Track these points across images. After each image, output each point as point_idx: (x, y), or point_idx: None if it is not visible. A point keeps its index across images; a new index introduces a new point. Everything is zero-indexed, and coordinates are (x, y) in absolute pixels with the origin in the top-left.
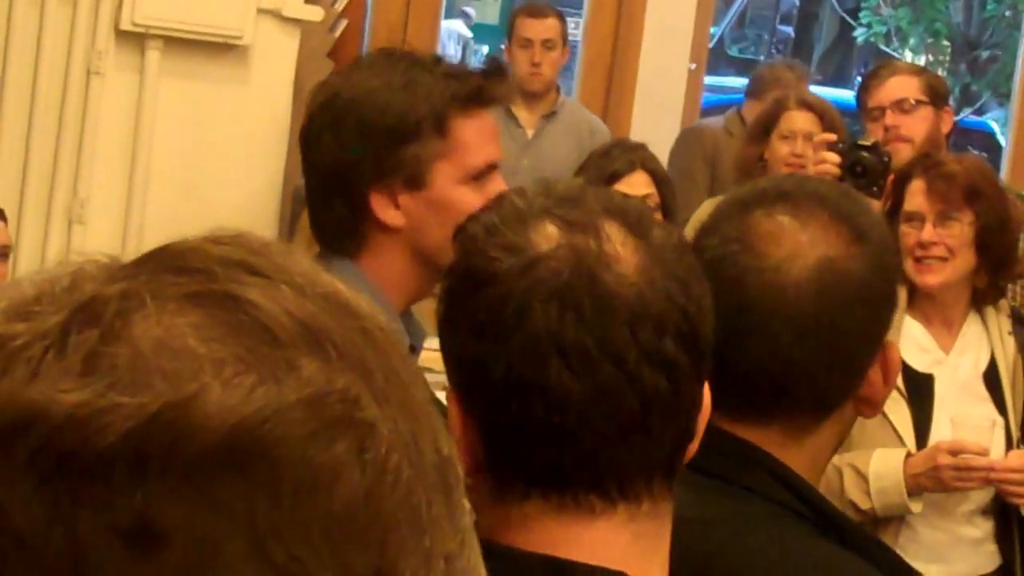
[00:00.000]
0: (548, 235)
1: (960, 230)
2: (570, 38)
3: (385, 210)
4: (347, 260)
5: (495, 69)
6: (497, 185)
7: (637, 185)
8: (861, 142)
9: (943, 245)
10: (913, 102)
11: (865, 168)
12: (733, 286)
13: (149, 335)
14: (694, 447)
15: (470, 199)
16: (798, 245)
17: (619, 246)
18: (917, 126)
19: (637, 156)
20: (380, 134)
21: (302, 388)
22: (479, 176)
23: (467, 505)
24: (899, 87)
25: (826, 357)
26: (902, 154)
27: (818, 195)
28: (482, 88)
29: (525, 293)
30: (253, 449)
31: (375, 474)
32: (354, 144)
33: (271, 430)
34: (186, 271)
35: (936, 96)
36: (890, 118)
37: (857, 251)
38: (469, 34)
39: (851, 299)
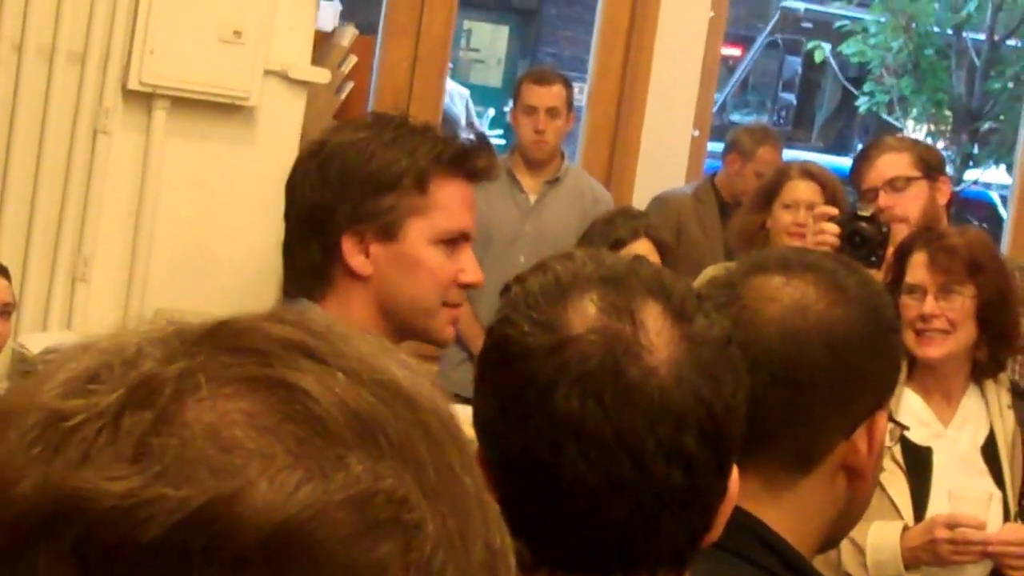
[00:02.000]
0: (584, 315)
1: (962, 303)
2: (575, 103)
3: (355, 256)
4: (311, 303)
5: (481, 144)
6: (467, 256)
7: (640, 253)
8: (860, 212)
9: (945, 318)
10: (905, 179)
11: (864, 238)
12: None
13: (201, 420)
14: (715, 535)
15: (439, 261)
16: (777, 291)
17: (654, 335)
18: (911, 204)
19: (641, 224)
20: (361, 181)
21: (349, 487)
22: (451, 241)
23: None
24: (889, 166)
25: (793, 400)
26: (899, 235)
27: (813, 262)
28: (466, 155)
29: (551, 374)
30: (296, 548)
31: (419, 575)
32: (335, 187)
33: (315, 529)
34: (244, 352)
35: (929, 168)
36: (883, 199)
37: (834, 303)
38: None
39: (817, 342)
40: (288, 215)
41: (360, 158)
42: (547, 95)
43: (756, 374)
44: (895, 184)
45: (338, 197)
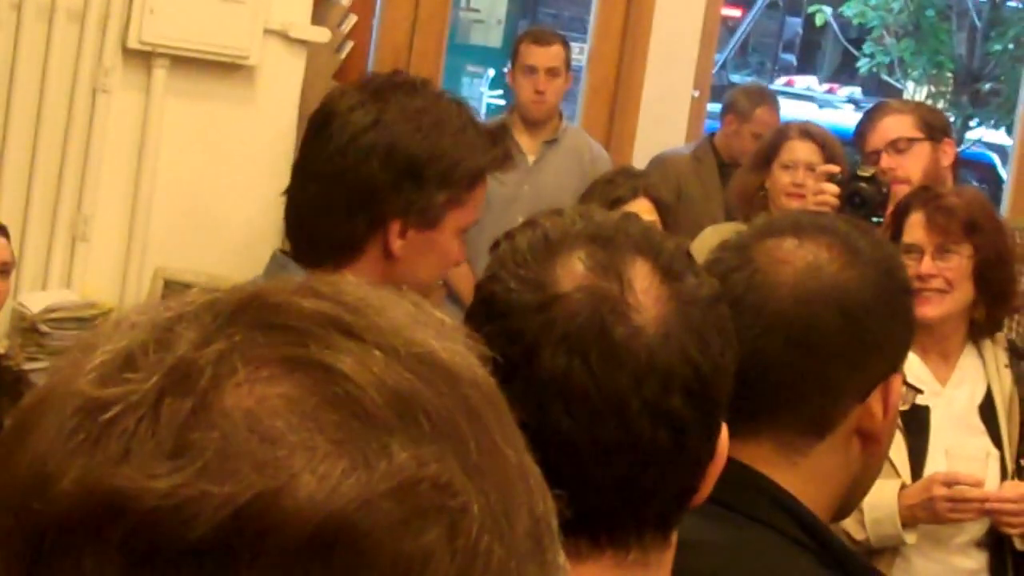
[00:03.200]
0: (572, 272)
1: (959, 263)
2: (574, 63)
3: (395, 238)
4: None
5: (504, 138)
6: (460, 245)
7: (639, 212)
8: (860, 172)
9: (942, 277)
10: (908, 140)
11: (864, 199)
12: (724, 290)
13: (240, 407)
14: (703, 495)
15: (456, 248)
16: (789, 254)
17: (641, 294)
18: (913, 165)
19: (640, 183)
20: (429, 175)
21: (393, 476)
22: (467, 230)
23: (561, 561)
24: (892, 127)
25: (806, 364)
26: (901, 195)
27: (825, 225)
28: (509, 158)
29: (536, 332)
30: (343, 540)
31: (466, 559)
32: (399, 174)
33: (361, 521)
34: (279, 328)
35: (932, 130)
36: (885, 160)
37: (848, 264)
38: None
39: (831, 305)
40: (329, 180)
41: (431, 153)
42: (547, 55)
43: (769, 338)
44: (897, 145)
45: (400, 184)
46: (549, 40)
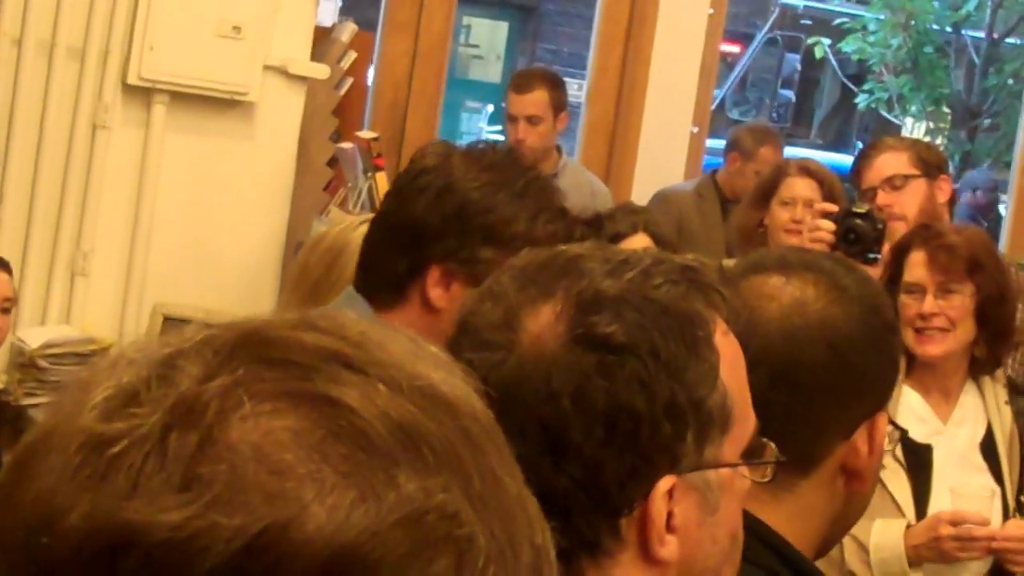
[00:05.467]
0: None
1: (961, 302)
2: (573, 100)
3: (435, 287)
4: (360, 303)
5: (596, 225)
6: None
7: (638, 247)
8: (856, 209)
9: (944, 316)
10: (903, 177)
11: (858, 235)
12: None
13: (247, 440)
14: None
15: None
16: (776, 290)
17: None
18: (909, 202)
19: (640, 219)
20: (475, 225)
21: (402, 506)
22: None
23: None
24: (888, 164)
25: (792, 400)
26: (897, 233)
27: (811, 262)
28: (570, 237)
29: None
30: (353, 571)
31: None
32: (446, 219)
33: (371, 552)
34: (282, 363)
35: (928, 167)
36: (881, 197)
37: (834, 301)
38: None
39: (817, 340)
40: (384, 217)
41: (482, 204)
42: (524, 104)
43: (755, 373)
44: (893, 182)
45: (445, 230)
46: (530, 86)
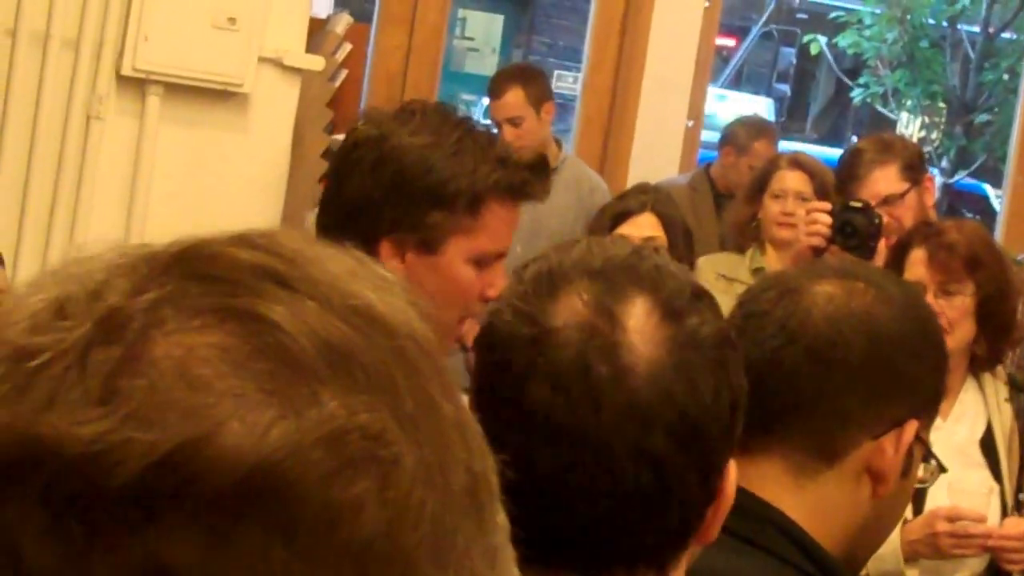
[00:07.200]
0: (569, 308)
1: (962, 301)
2: (568, 92)
3: (389, 260)
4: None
5: (541, 167)
6: (498, 271)
7: (643, 226)
8: (852, 203)
9: (945, 316)
10: (899, 196)
11: (855, 229)
12: (752, 309)
13: (170, 356)
14: (708, 535)
15: (469, 278)
16: (827, 283)
17: (634, 334)
18: (905, 214)
19: (650, 198)
20: (415, 191)
21: (323, 424)
22: (486, 260)
23: (500, 520)
24: (881, 183)
25: (823, 379)
26: (894, 239)
27: (863, 272)
28: (526, 184)
29: (525, 365)
30: (269, 489)
31: (396, 511)
32: (386, 190)
33: (288, 470)
34: (212, 279)
35: (914, 172)
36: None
37: (883, 302)
38: None
39: (859, 329)
40: (329, 201)
41: (418, 167)
42: (501, 108)
43: (790, 347)
44: (890, 201)
45: (387, 201)
46: (501, 90)
